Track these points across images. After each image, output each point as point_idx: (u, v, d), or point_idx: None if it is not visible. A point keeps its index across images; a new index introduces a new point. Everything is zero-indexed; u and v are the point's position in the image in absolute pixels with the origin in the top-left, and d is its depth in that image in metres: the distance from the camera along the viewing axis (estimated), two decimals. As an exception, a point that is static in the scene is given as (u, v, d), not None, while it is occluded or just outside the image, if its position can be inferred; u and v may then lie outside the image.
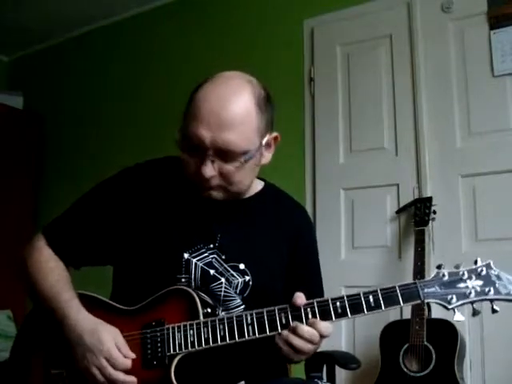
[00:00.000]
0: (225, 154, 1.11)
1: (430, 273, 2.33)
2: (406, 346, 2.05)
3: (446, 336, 2.02)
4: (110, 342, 1.10)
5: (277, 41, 3.02)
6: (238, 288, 1.21)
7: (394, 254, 2.49)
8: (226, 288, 1.20)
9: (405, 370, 2.03)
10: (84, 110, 3.81)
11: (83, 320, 1.14)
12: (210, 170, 1.11)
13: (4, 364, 1.31)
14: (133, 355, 1.11)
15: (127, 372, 1.10)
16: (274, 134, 1.23)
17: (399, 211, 2.47)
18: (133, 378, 1.09)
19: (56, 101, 3.98)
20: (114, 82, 3.68)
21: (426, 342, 2.01)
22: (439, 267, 1.10)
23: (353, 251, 2.62)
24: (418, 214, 2.30)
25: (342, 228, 2.66)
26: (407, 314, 2.12)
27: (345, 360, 1.52)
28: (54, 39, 4.03)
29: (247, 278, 1.21)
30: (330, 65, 2.81)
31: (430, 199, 2.33)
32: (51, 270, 1.23)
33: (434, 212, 2.30)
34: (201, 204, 1.25)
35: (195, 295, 1.13)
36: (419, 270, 2.11)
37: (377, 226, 2.55)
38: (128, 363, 1.10)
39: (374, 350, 2.18)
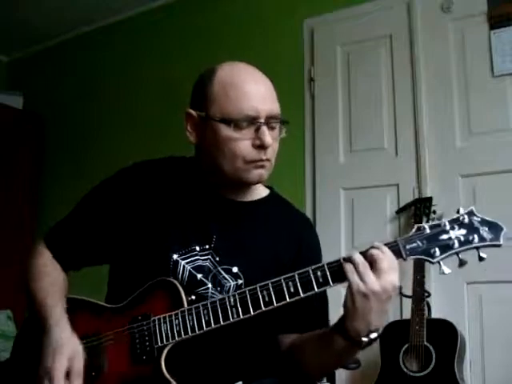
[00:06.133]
0: (273, 120, 1.19)
1: (430, 271, 2.33)
2: (406, 346, 2.05)
3: (446, 336, 2.02)
4: (60, 365, 1.07)
5: (277, 41, 3.02)
6: (230, 292, 1.18)
7: (393, 254, 2.48)
8: (212, 293, 1.18)
9: (405, 370, 2.03)
10: (84, 110, 3.80)
11: (57, 330, 1.12)
12: (269, 137, 1.16)
13: (4, 364, 1.31)
14: None
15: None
16: None
17: (399, 211, 2.47)
18: None
19: (56, 101, 3.97)
20: (113, 81, 3.68)
21: (426, 342, 2.01)
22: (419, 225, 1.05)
23: (353, 251, 2.61)
24: (417, 214, 2.30)
25: (342, 228, 2.66)
26: (407, 314, 2.12)
27: (345, 360, 1.52)
28: (54, 39, 4.03)
29: (240, 281, 1.19)
30: (330, 65, 2.81)
31: (430, 199, 2.33)
32: (47, 273, 1.24)
33: (434, 212, 2.30)
34: (199, 204, 1.25)
35: (177, 284, 1.13)
36: (419, 270, 2.11)
37: (377, 225, 2.54)
38: None
39: (374, 350, 2.18)
